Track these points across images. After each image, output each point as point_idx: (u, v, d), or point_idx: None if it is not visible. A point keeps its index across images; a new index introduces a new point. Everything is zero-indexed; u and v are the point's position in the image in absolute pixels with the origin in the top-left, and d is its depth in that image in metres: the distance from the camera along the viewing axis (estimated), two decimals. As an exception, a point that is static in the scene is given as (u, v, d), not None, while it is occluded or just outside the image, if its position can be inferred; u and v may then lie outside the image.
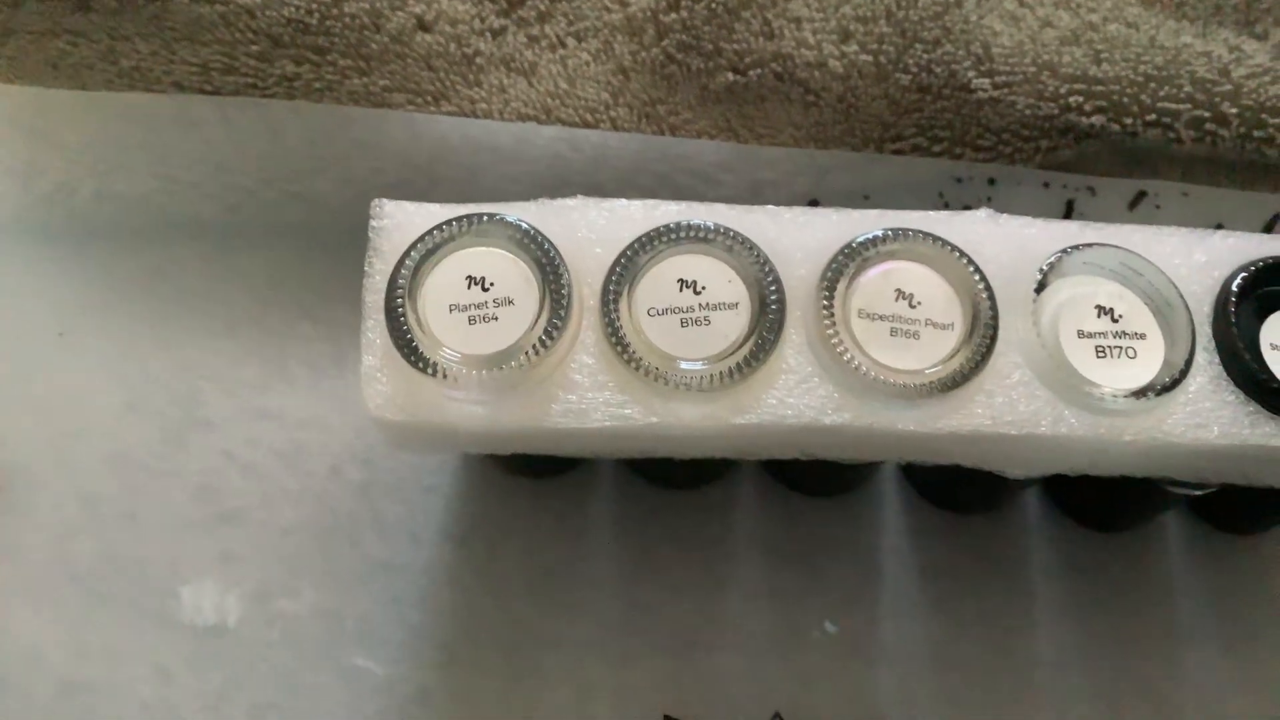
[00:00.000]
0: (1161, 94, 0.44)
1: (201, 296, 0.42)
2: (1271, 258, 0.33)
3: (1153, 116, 0.44)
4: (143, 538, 0.39)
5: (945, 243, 0.32)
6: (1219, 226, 0.45)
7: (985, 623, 0.40)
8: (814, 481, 0.41)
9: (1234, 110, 0.44)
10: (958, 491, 0.41)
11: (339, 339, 0.41)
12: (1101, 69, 0.43)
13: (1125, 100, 0.43)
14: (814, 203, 0.44)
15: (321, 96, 0.41)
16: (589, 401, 0.30)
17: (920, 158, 0.45)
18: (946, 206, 0.45)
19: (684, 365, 0.30)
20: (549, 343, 0.29)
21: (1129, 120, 0.44)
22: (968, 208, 0.42)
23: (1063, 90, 0.43)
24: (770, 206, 0.32)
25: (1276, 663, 0.40)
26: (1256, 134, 0.45)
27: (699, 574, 0.40)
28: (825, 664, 0.39)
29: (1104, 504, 0.41)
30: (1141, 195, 0.46)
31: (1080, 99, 0.43)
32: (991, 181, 0.45)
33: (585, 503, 0.41)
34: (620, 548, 0.40)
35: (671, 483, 0.41)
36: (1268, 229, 0.47)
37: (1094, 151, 0.46)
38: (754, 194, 0.44)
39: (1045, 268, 0.32)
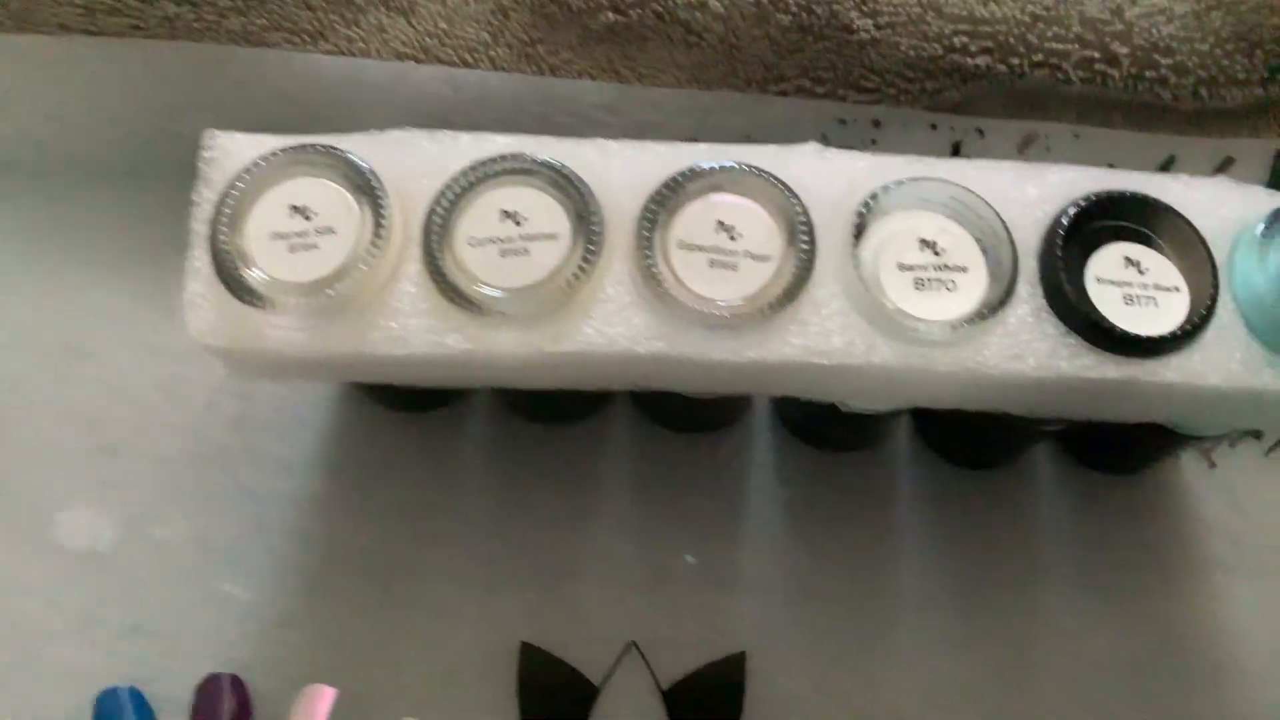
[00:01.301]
0: (1049, 34, 0.43)
1: (85, 232, 0.43)
2: (1102, 193, 0.33)
3: (1040, 57, 0.44)
4: (21, 465, 0.40)
5: (768, 176, 0.32)
6: (1111, 168, 0.45)
7: (848, 557, 0.41)
8: (684, 417, 0.41)
9: (1124, 50, 0.44)
10: (827, 429, 0.41)
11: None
12: (988, 9, 0.43)
13: (1012, 41, 0.43)
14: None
15: (202, 36, 0.42)
16: (409, 329, 0.31)
17: (804, 99, 0.45)
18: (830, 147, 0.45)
19: (500, 294, 0.30)
20: (366, 270, 0.30)
21: (1016, 61, 0.44)
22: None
23: (948, 31, 0.43)
24: (599, 140, 0.33)
25: (1136, 603, 0.40)
26: (1148, 74, 0.45)
27: (566, 507, 0.41)
28: (685, 594, 0.40)
29: (971, 441, 0.41)
30: (1032, 138, 0.46)
31: (965, 40, 0.43)
32: (876, 123, 0.45)
33: (458, 437, 0.42)
34: (490, 481, 0.41)
35: (544, 418, 0.42)
36: (1162, 171, 0.46)
37: (982, 93, 0.45)
38: (637, 135, 0.44)
39: (869, 201, 0.32)
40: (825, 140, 0.45)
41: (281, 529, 0.40)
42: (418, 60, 0.42)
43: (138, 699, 0.36)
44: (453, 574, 0.40)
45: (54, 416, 0.41)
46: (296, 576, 0.39)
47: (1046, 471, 0.42)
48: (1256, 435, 0.43)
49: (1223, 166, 0.46)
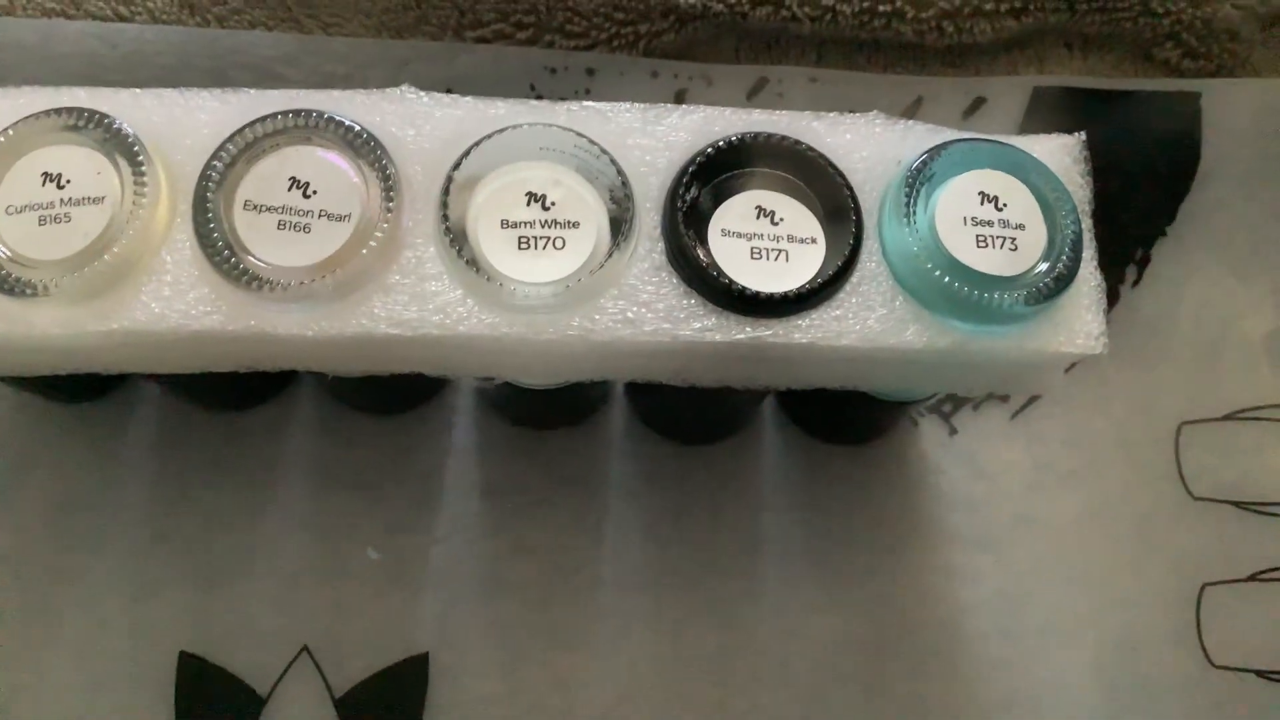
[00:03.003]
0: (770, -32, 0.40)
1: None
2: (735, 136, 0.29)
3: (759, -7, 0.40)
4: None
5: (348, 125, 0.28)
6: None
7: (547, 544, 0.37)
8: (372, 396, 0.38)
9: (855, -16, 0.40)
10: (533, 406, 0.38)
11: None
12: (700, -58, 0.40)
13: (727, -24, 0.40)
14: (388, 98, 0.41)
15: None
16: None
17: (509, 46, 0.41)
18: (540, 99, 0.41)
19: (37, 268, 0.27)
20: None
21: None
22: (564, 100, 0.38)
23: (656, -33, 0.39)
24: (160, 89, 0.29)
25: (866, 584, 0.37)
26: (882, 8, 0.41)
27: (238, 501, 0.37)
28: (363, 592, 0.36)
29: (676, 414, 0.38)
30: (763, 82, 0.42)
31: (677, -24, 0.40)
32: (591, 71, 0.41)
33: (122, 427, 0.38)
34: (155, 474, 0.38)
35: (219, 403, 0.38)
36: (908, 116, 0.43)
37: (706, 36, 0.42)
38: (324, 88, 0.40)
39: (469, 150, 0.28)
40: (534, 89, 0.42)
41: (-84, 533, 0.36)
42: (66, 16, 0.38)
43: None
44: (107, 578, 0.36)
45: None
46: (-70, 584, 0.36)
47: (773, 443, 0.39)
48: (1002, 399, 0.40)
49: (975, 106, 0.43)
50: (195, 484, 0.37)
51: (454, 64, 0.41)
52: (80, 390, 0.38)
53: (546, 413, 0.38)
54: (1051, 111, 0.43)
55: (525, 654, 0.36)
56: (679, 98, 0.42)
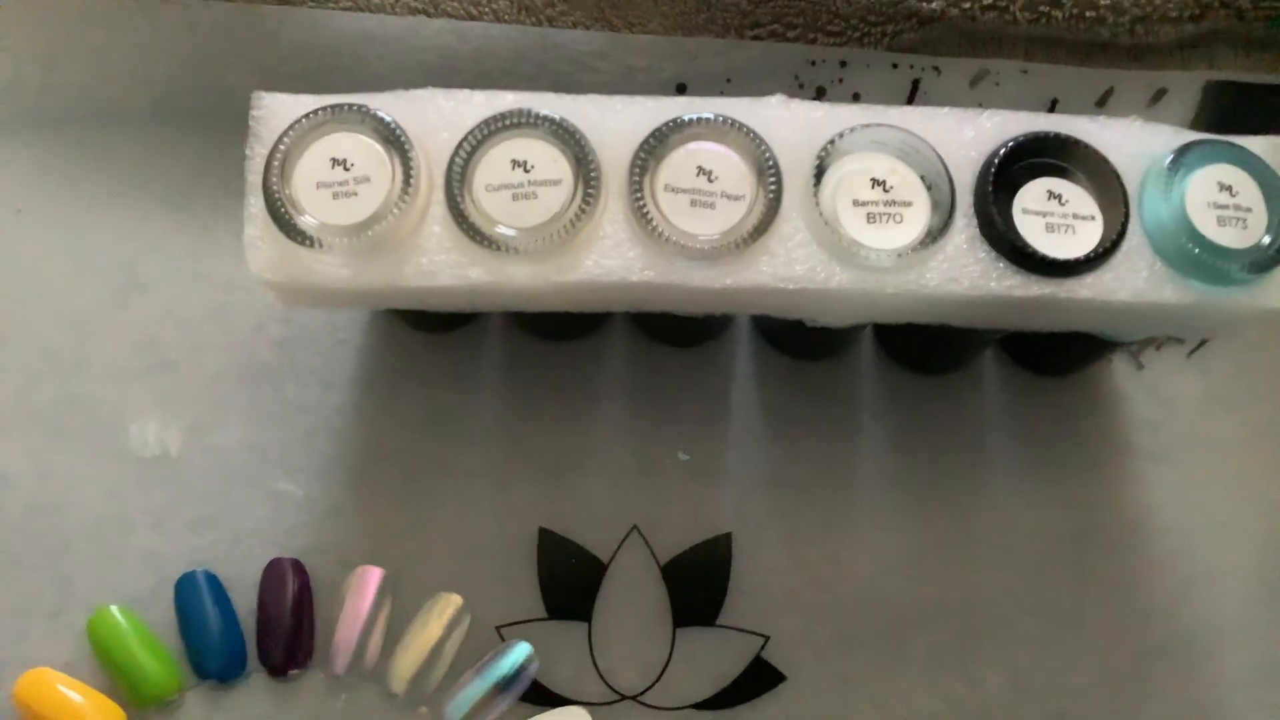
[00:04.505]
0: (999, -21, 0.48)
1: (137, 175, 0.48)
2: (1028, 134, 0.38)
3: (989, 1, 0.48)
4: (94, 383, 0.46)
5: (740, 125, 0.37)
6: (1054, 101, 0.50)
7: (817, 452, 0.47)
8: (674, 332, 0.47)
9: (1067, -7, 0.48)
10: (798, 340, 0.47)
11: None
12: (943, -43, 0.48)
13: (964, -14, 0.48)
14: (681, 87, 0.49)
15: (233, -5, 0.46)
16: (437, 264, 0.36)
17: (778, 43, 0.49)
18: (801, 88, 0.50)
19: (513, 233, 0.36)
20: (398, 214, 0.35)
21: (967, 5, 0.48)
22: (821, 89, 0.47)
23: (905, -22, 0.48)
24: (594, 95, 0.38)
25: (1067, 486, 0.47)
26: (1088, 14, 0.49)
27: (571, 412, 0.47)
28: (677, 486, 0.46)
29: (924, 349, 0.47)
30: (983, 74, 0.51)
31: (922, -14, 0.48)
32: (843, 64, 0.50)
33: (476, 353, 0.47)
34: (504, 390, 0.47)
35: (550, 335, 0.47)
36: (1101, 103, 0.51)
37: (938, 34, 0.50)
38: (626, 79, 0.49)
39: (827, 145, 0.37)
40: (797, 79, 0.50)
41: (325, 434, 0.46)
42: (428, 14, 0.47)
43: (213, 580, 0.43)
44: (473, 471, 0.46)
45: (119, 340, 0.46)
46: (340, 474, 0.45)
47: (991, 375, 0.48)
48: (1180, 340, 0.49)
49: (1157, 97, 0.51)
50: (538, 398, 0.47)
51: (732, 58, 0.49)
52: (441, 323, 0.47)
53: (816, 346, 0.47)
54: (1220, 102, 0.51)
55: (802, 535, 0.46)
56: (914, 85, 0.50)
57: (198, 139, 0.48)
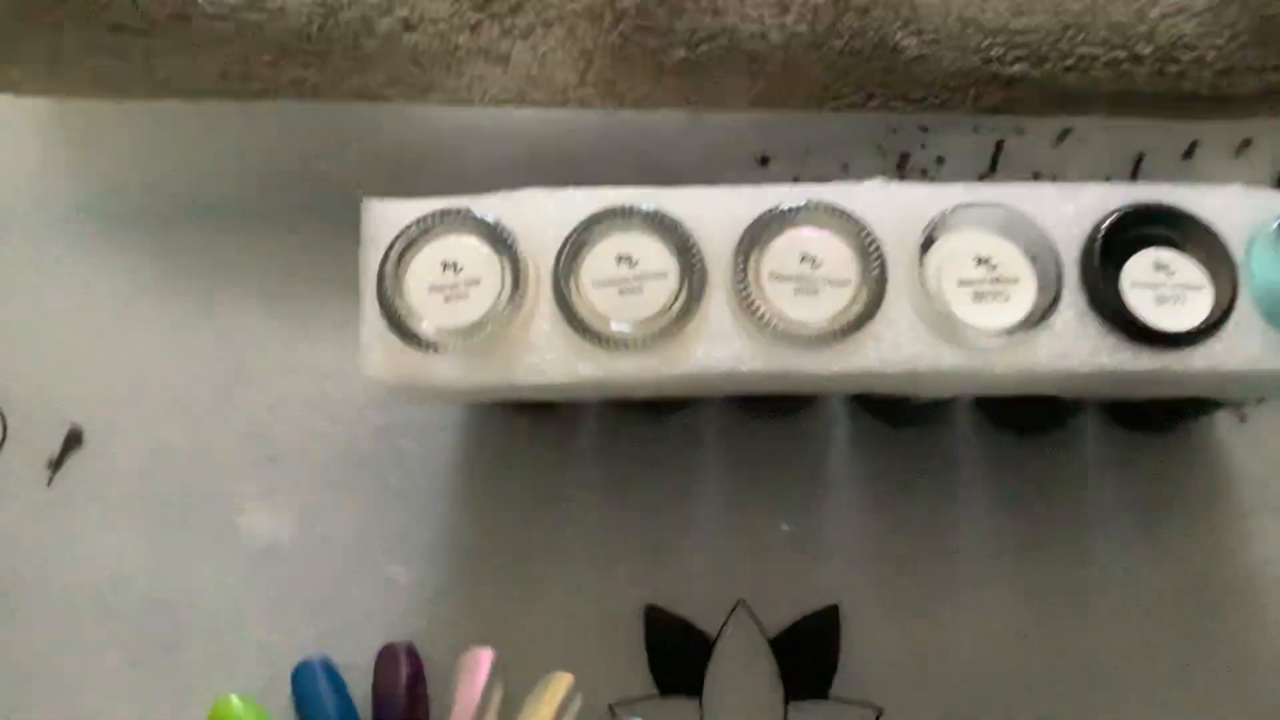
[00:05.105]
0: (1079, 39, 0.48)
1: (236, 269, 0.49)
2: (1131, 206, 0.38)
3: (1070, 61, 0.48)
4: (203, 476, 0.47)
5: (842, 211, 0.37)
6: (1140, 155, 0.50)
7: (918, 518, 0.47)
8: (769, 403, 0.47)
9: (1148, 50, 0.48)
10: (898, 411, 0.47)
11: (354, 302, 0.48)
12: (1021, 21, 0.48)
13: (1044, 49, 0.48)
14: (765, 160, 0.50)
15: (326, 95, 0.47)
16: (546, 361, 0.37)
17: (859, 113, 0.50)
18: (883, 155, 0.50)
19: (623, 328, 0.36)
20: (509, 313, 0.36)
21: (1049, 66, 0.49)
22: (905, 154, 0.48)
23: (985, 43, 0.48)
24: (692, 188, 0.38)
25: (1173, 545, 0.46)
26: (1171, 69, 0.49)
27: (670, 490, 0.47)
28: (781, 558, 0.46)
29: (1025, 413, 0.47)
30: (1067, 132, 0.51)
31: (1002, 50, 0.48)
32: (924, 129, 0.50)
33: (573, 434, 0.48)
34: (602, 471, 0.47)
35: (648, 413, 0.48)
36: (1187, 156, 0.51)
37: (1020, 95, 0.50)
38: (710, 156, 0.50)
39: (929, 227, 0.37)
40: (880, 147, 0.51)
41: (429, 519, 0.46)
42: (515, 104, 0.48)
43: (329, 667, 0.43)
44: (576, 550, 0.46)
45: (226, 433, 0.47)
46: (447, 558, 0.46)
47: (1093, 433, 0.48)
48: (1281, 392, 0.48)
49: (1243, 146, 0.51)
50: (636, 475, 0.47)
51: (812, 129, 0.50)
52: (538, 406, 0.47)
53: (916, 415, 0.47)
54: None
55: (908, 605, 0.45)
56: (998, 146, 0.50)
57: (294, 233, 0.49)
